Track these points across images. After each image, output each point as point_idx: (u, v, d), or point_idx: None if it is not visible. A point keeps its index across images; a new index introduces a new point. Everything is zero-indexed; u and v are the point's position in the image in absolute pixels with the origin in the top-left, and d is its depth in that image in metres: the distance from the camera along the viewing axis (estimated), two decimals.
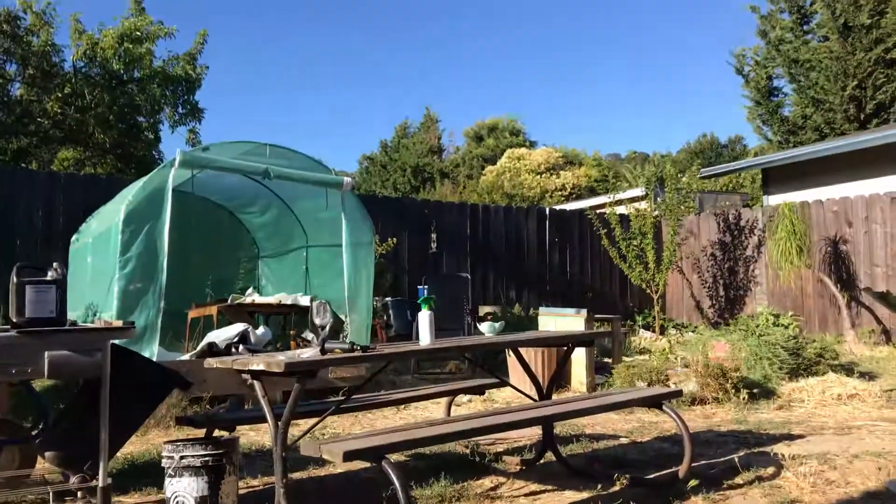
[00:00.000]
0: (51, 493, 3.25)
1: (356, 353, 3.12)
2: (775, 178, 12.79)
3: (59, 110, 12.87)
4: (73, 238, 8.03)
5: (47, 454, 3.28)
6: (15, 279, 2.98)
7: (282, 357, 3.12)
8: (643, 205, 11.88)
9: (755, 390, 6.10)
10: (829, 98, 17.67)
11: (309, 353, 3.17)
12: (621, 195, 12.07)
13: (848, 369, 6.95)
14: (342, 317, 6.95)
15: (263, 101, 76.10)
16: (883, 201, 9.98)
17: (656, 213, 11.71)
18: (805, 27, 18.95)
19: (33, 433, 3.55)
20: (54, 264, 3.16)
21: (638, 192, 14.46)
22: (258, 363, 2.99)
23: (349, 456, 2.66)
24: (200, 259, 8.73)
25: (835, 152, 11.60)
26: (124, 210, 5.83)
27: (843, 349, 8.55)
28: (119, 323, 3.35)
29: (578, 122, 73.16)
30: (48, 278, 3.07)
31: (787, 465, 3.87)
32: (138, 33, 13.47)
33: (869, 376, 6.90)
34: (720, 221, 12.15)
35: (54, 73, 13.14)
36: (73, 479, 3.20)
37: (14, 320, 2.95)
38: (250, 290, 8.07)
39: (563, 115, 74.21)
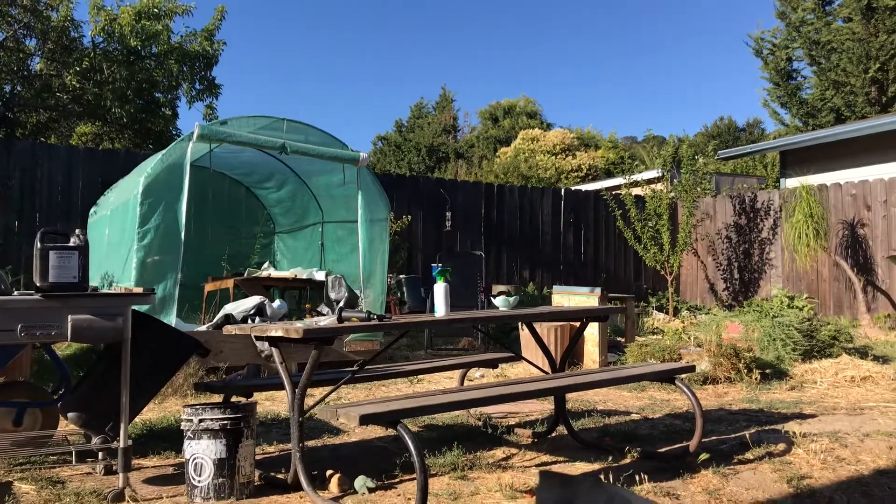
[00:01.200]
0: (73, 453, 3.34)
1: (373, 322, 3.16)
2: (793, 160, 12.69)
3: (77, 85, 12.95)
4: (92, 210, 8.13)
5: (70, 416, 3.36)
6: (39, 245, 3.04)
7: (300, 324, 3.16)
8: (659, 186, 11.83)
9: (768, 371, 6.10)
10: (851, 80, 17.45)
11: (326, 321, 3.21)
12: (637, 176, 12.03)
13: (862, 352, 6.94)
14: (357, 292, 7.00)
15: (280, 80, 76.07)
16: None
17: (672, 194, 11.66)
18: (827, 8, 18.69)
19: (55, 396, 3.64)
20: (76, 231, 3.21)
21: (654, 173, 14.38)
22: (277, 330, 3.04)
23: (365, 420, 2.71)
24: (217, 233, 8.82)
25: (856, 135, 11.49)
26: (143, 182, 5.89)
27: (857, 333, 8.52)
28: (140, 290, 3.40)
29: (595, 104, 72.63)
30: (71, 244, 3.12)
31: (798, 442, 3.89)
32: (156, 10, 13.51)
33: (883, 359, 6.89)
34: (736, 203, 12.09)
35: (73, 47, 13.22)
36: (95, 440, 3.28)
37: (38, 284, 3.01)
38: (266, 265, 8.15)
39: (579, 97, 73.71)
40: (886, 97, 17.16)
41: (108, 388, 3.20)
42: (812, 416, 4.71)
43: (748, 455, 3.69)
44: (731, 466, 3.50)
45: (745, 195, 12.09)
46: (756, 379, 5.88)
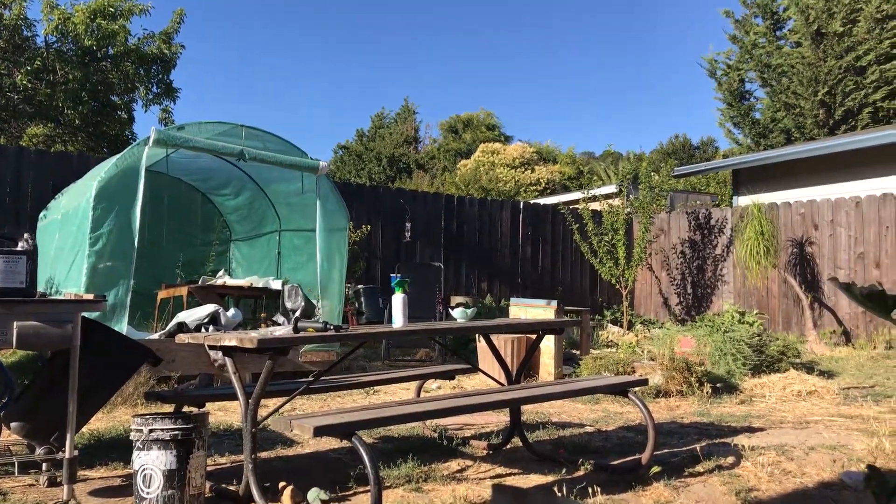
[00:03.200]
0: (16, 464, 3.24)
1: (329, 332, 3.14)
2: (746, 179, 13.01)
3: (28, 84, 12.64)
4: (41, 215, 7.92)
5: (13, 425, 3.25)
6: None
7: (255, 334, 3.12)
8: (616, 201, 12.01)
9: (719, 385, 6.22)
10: (801, 103, 18.00)
11: (282, 331, 3.18)
12: (595, 191, 12.21)
13: (808, 367, 7.13)
14: (314, 301, 6.95)
15: (239, 85, 75.32)
16: (848, 205, 10.21)
17: (628, 209, 11.85)
18: (778, 33, 19.28)
19: None
20: (25, 235, 3.13)
21: (611, 188, 14.61)
22: (231, 339, 3.00)
23: (319, 431, 2.68)
24: (171, 240, 8.67)
25: (805, 156, 11.85)
26: (96, 186, 5.76)
27: (804, 348, 8.75)
28: (90, 296, 3.32)
29: (553, 119, 73.47)
30: (19, 248, 3.05)
31: (747, 455, 3.97)
32: (111, 9, 13.26)
33: (828, 374, 7.08)
34: (691, 220, 12.33)
35: (25, 46, 12.91)
36: (39, 451, 3.19)
37: None
38: (221, 273, 8.04)
39: (537, 112, 74.51)
40: (834, 120, 17.74)
41: (54, 396, 3.11)
42: (760, 429, 4.81)
43: (699, 468, 3.75)
44: (682, 479, 3.55)
45: (700, 212, 12.34)
46: (707, 393, 5.98)
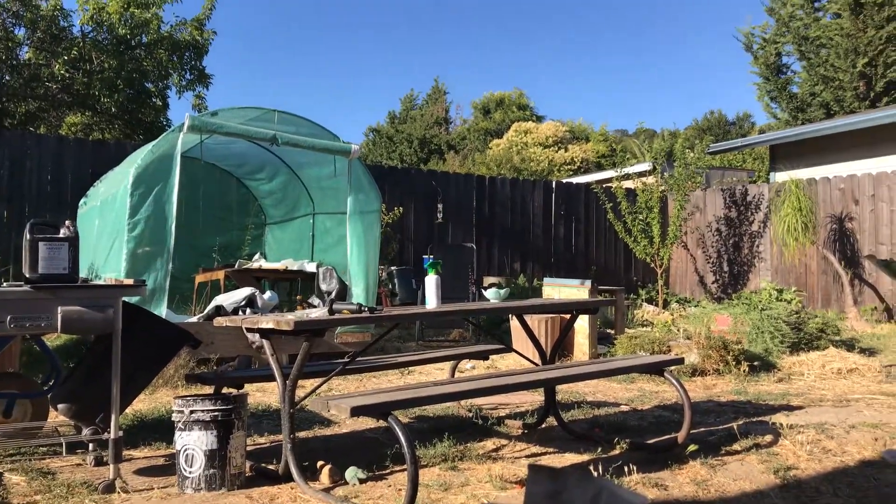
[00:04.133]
0: (63, 445, 3.34)
1: (364, 314, 3.17)
2: (783, 154, 12.75)
3: (66, 74, 12.85)
4: (81, 202, 8.09)
5: (60, 407, 3.36)
6: (28, 236, 3.03)
7: (291, 316, 3.17)
8: (650, 179, 11.86)
9: (756, 363, 6.15)
10: (839, 75, 17.53)
11: (317, 313, 3.22)
12: (628, 169, 12.05)
13: (849, 345, 7.00)
14: (348, 283, 7.01)
15: (271, 70, 75.69)
16: (890, 179, 9.95)
17: (663, 187, 11.69)
18: (816, 4, 18.75)
19: (45, 387, 3.63)
20: (66, 222, 3.20)
21: (645, 166, 14.42)
22: (268, 322, 3.04)
23: (356, 411, 2.72)
24: (208, 224, 8.79)
25: (844, 130, 11.55)
26: (133, 173, 5.86)
27: (844, 325, 8.59)
28: (130, 281, 3.39)
29: (586, 97, 72.64)
30: (61, 236, 3.12)
31: (785, 433, 3.93)
32: None
33: (869, 352, 6.96)
34: (727, 197, 12.14)
35: (62, 37, 13.10)
36: (86, 432, 3.28)
37: (28, 276, 3.00)
38: (257, 256, 8.14)
39: (570, 90, 73.69)
40: (874, 92, 17.25)
41: (98, 379, 3.20)
42: (799, 407, 4.75)
43: (736, 446, 3.73)
44: (719, 458, 3.53)
45: (736, 188, 12.14)
46: (744, 371, 5.92)
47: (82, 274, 6.34)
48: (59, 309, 2.97)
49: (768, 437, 3.89)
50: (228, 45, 69.63)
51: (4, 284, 3.08)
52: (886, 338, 8.03)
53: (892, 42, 16.82)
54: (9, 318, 2.89)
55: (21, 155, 8.63)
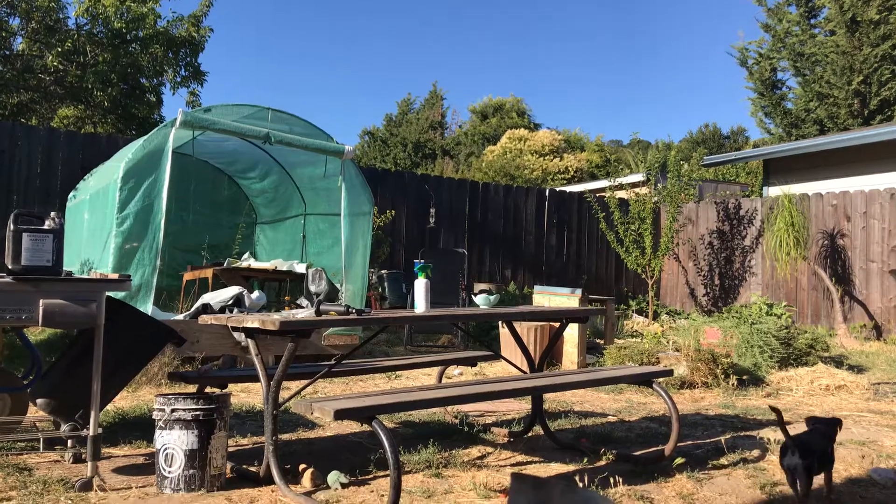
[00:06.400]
0: (41, 440, 3.28)
1: (351, 316, 3.13)
2: (777, 169, 12.78)
3: (59, 66, 12.77)
4: (70, 195, 8.01)
5: (39, 402, 3.29)
6: (12, 226, 2.97)
7: (277, 316, 3.12)
8: (643, 190, 11.87)
9: (744, 377, 6.14)
10: (834, 93, 17.62)
11: (304, 314, 3.17)
12: (622, 179, 12.06)
13: (837, 361, 7.00)
14: (337, 285, 6.96)
15: (267, 69, 75.60)
16: (882, 197, 9.98)
17: (656, 198, 11.70)
18: (812, 21, 18.87)
19: (25, 381, 3.57)
20: (52, 214, 3.15)
21: (639, 177, 14.44)
22: (253, 321, 3.00)
23: (340, 414, 2.68)
24: (198, 222, 8.73)
25: (838, 146, 11.59)
26: (123, 167, 5.80)
27: (834, 342, 8.60)
28: (115, 276, 3.34)
29: (582, 107, 72.82)
30: (45, 227, 3.06)
31: (772, 449, 3.90)
32: None
33: (858, 369, 6.96)
34: (720, 210, 12.15)
35: (56, 28, 13.03)
36: (64, 428, 3.22)
37: (10, 267, 2.95)
38: (246, 255, 8.08)
39: (567, 99, 73.88)
40: (868, 110, 17.35)
41: (79, 374, 3.14)
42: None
43: (723, 460, 3.70)
44: (706, 471, 3.50)
45: (729, 202, 12.16)
46: (733, 385, 5.90)
47: (77, 268, 6.30)
48: (41, 302, 2.92)
49: (755, 452, 3.87)
50: (225, 42, 69.47)
51: None
52: (875, 355, 8.04)
53: (887, 60, 16.93)
54: None
55: (10, 145, 8.54)
